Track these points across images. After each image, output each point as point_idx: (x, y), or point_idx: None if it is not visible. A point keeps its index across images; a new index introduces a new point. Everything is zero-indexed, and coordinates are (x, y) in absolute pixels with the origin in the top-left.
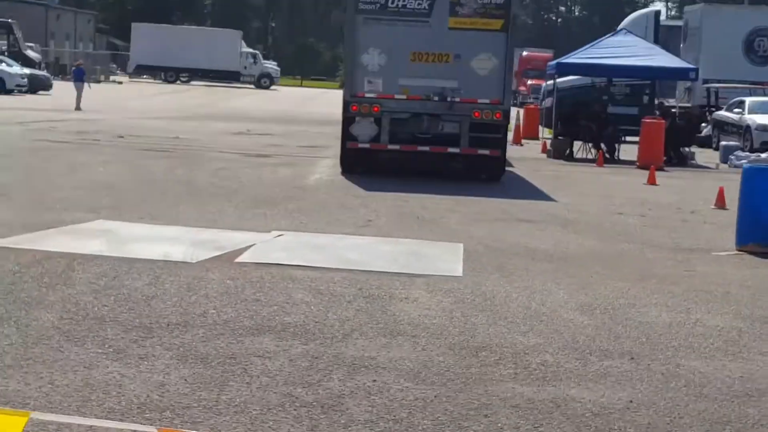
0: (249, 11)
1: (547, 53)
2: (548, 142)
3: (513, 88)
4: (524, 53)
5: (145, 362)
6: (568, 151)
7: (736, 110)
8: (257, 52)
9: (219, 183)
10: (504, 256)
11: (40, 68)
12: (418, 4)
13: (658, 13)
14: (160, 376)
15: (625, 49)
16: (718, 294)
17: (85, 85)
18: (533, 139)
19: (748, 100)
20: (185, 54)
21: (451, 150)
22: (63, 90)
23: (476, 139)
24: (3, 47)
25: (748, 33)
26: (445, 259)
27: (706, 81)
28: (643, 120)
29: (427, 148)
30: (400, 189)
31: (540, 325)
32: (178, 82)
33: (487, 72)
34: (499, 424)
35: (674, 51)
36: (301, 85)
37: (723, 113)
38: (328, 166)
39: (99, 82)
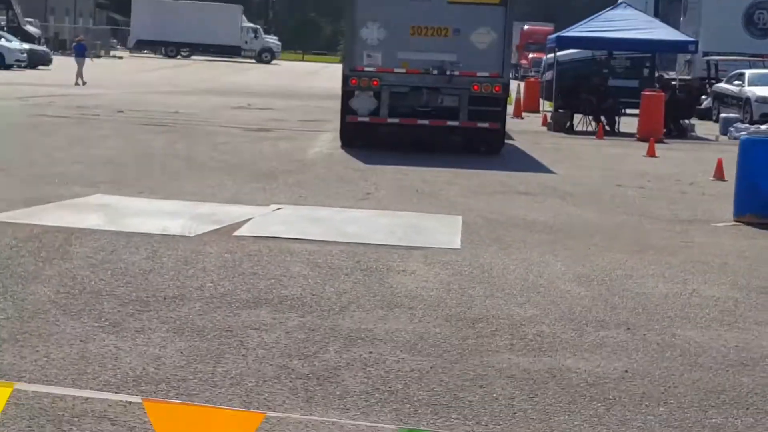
0: None
1: (548, 27)
2: (549, 115)
3: (513, 62)
4: (525, 27)
5: (141, 335)
6: (568, 124)
7: (736, 82)
8: (258, 26)
9: (218, 157)
10: (502, 229)
11: (39, 43)
12: None
13: None
14: (156, 349)
15: (625, 22)
16: (715, 264)
17: (87, 60)
18: (534, 112)
19: (748, 73)
20: (186, 29)
21: (450, 123)
22: (63, 65)
23: (475, 113)
24: (2, 22)
25: (747, 6)
26: (444, 231)
27: (706, 54)
28: (642, 93)
29: (426, 122)
30: (399, 162)
31: (537, 296)
32: (179, 57)
33: (486, 46)
34: (494, 395)
35: (674, 24)
36: (302, 60)
37: (723, 85)
38: (328, 139)
39: (99, 57)
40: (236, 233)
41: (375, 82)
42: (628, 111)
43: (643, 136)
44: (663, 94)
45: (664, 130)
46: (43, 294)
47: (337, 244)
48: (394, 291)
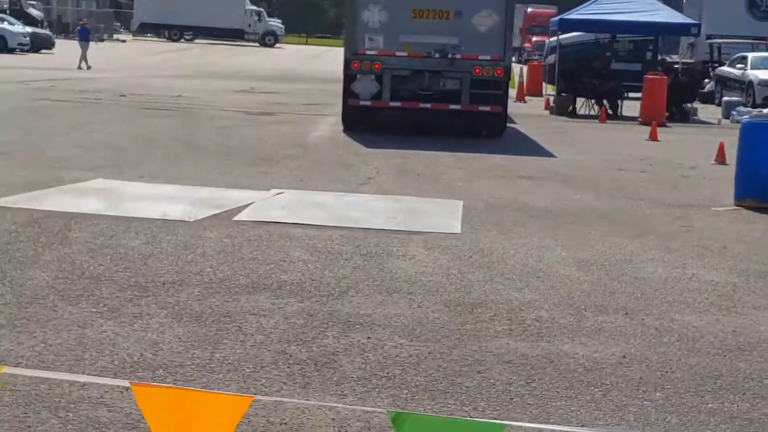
0: None
1: (551, 9)
2: (551, 98)
3: (516, 45)
4: (529, 10)
5: (140, 321)
6: (570, 108)
7: (739, 66)
8: (261, 9)
9: (220, 141)
10: (503, 213)
11: (42, 27)
12: None
13: None
14: (154, 335)
15: (628, 4)
16: (714, 249)
17: (91, 43)
18: (537, 96)
19: (751, 56)
20: (189, 12)
21: (452, 107)
22: (66, 49)
23: (477, 96)
24: (5, 5)
25: None
26: (444, 216)
27: (709, 36)
28: (645, 76)
29: (428, 105)
30: (401, 146)
31: (536, 281)
32: (182, 40)
33: (487, 29)
34: (492, 380)
35: (677, 7)
36: (306, 43)
37: (725, 69)
38: (330, 123)
39: (102, 40)
40: (236, 218)
41: (377, 66)
42: (631, 94)
43: (645, 119)
44: (665, 77)
45: (667, 114)
46: (42, 279)
47: (337, 228)
48: (393, 276)
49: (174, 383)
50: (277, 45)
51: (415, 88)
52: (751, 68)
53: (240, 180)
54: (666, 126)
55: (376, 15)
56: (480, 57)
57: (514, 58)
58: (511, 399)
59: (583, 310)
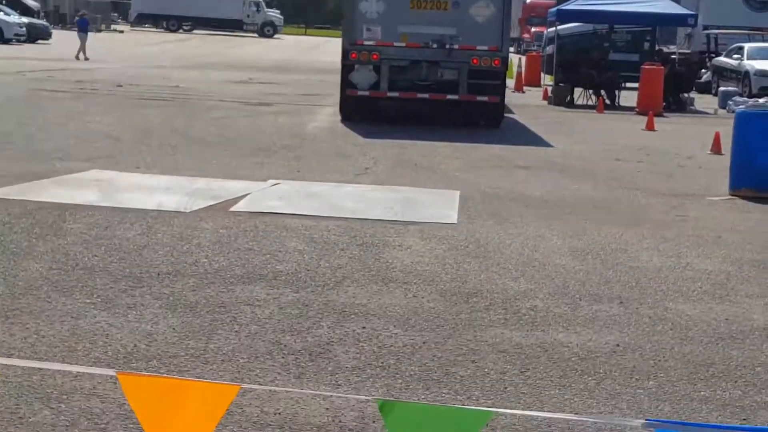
0: None
1: (550, 0)
2: (549, 89)
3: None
4: (528, 0)
5: (134, 312)
6: (568, 98)
7: (735, 56)
8: (260, 0)
9: (217, 132)
10: (500, 203)
11: (39, 17)
12: None
13: None
14: (148, 326)
15: None
16: (709, 238)
17: (89, 34)
18: (535, 86)
19: (747, 46)
20: (187, 2)
21: (450, 97)
22: (62, 39)
23: (475, 86)
24: None
25: None
26: (441, 206)
27: (705, 27)
28: (642, 66)
29: (426, 96)
30: (398, 136)
31: (532, 270)
32: (181, 31)
33: (485, 19)
34: (486, 369)
35: None
36: (304, 34)
37: (722, 59)
38: (328, 114)
39: (100, 31)
40: (232, 209)
41: (375, 56)
42: (629, 85)
43: (642, 109)
44: (662, 67)
45: (664, 104)
46: (35, 270)
47: (333, 219)
48: (389, 266)
49: (168, 374)
50: (275, 36)
51: (412, 78)
52: (748, 59)
53: (237, 171)
54: (663, 116)
55: (374, 5)
56: (477, 47)
57: (512, 49)
58: (505, 388)
59: (578, 299)
